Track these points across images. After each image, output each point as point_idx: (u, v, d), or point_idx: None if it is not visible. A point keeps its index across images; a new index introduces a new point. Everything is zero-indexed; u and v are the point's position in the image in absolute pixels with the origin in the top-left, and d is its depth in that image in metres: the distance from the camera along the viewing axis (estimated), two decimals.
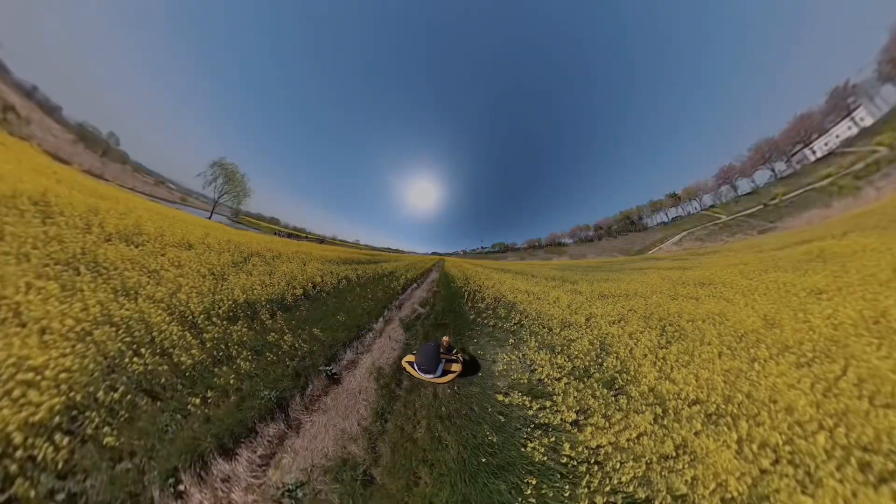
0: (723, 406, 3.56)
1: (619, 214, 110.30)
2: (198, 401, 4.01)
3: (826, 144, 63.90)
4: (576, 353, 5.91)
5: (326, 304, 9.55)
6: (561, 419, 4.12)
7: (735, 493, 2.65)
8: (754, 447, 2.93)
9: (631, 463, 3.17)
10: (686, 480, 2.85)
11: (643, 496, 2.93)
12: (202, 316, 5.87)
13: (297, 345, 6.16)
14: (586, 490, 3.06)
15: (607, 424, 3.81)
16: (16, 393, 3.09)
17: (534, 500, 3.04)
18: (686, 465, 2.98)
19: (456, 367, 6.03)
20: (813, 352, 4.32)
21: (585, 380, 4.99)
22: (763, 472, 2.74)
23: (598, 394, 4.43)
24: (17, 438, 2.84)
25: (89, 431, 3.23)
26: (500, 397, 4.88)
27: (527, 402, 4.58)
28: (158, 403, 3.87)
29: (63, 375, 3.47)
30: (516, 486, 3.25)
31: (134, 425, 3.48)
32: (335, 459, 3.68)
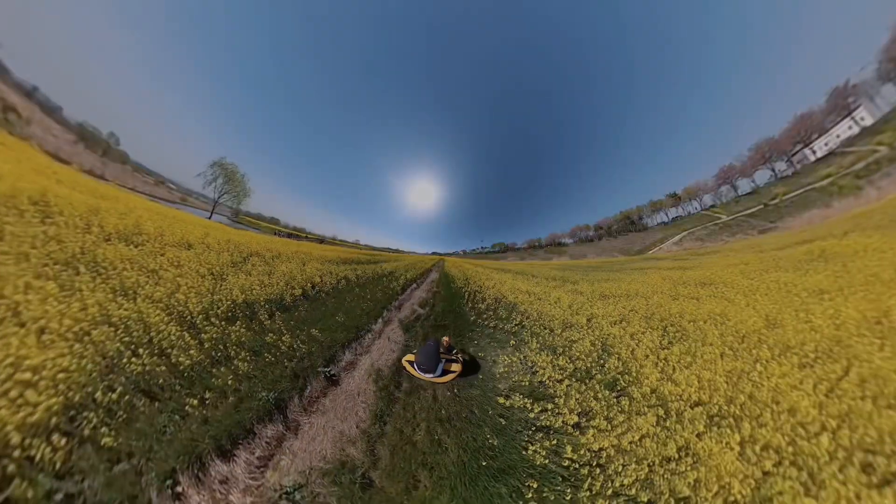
0: (725, 407, 3.53)
1: (619, 214, 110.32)
2: (196, 402, 3.99)
3: (826, 144, 63.85)
4: (577, 354, 5.87)
5: (325, 305, 9.50)
6: (563, 422, 4.08)
7: (738, 496, 2.62)
8: (757, 449, 2.91)
9: (633, 465, 3.15)
10: (689, 483, 2.82)
11: (645, 499, 2.91)
12: (200, 316, 5.85)
13: (295, 346, 6.13)
14: (588, 493, 3.04)
15: (609, 427, 3.78)
16: (13, 393, 3.07)
17: None
18: (689, 468, 2.96)
19: (456, 367, 6.02)
20: (815, 352, 4.30)
21: (587, 381, 4.95)
22: (766, 473, 2.72)
23: (600, 395, 4.40)
24: (15, 439, 2.82)
25: (87, 432, 3.21)
26: (501, 400, 4.84)
27: (528, 405, 4.55)
28: (156, 404, 3.85)
29: (61, 376, 3.46)
30: (517, 489, 3.22)
31: (132, 426, 3.47)
32: (333, 462, 3.65)
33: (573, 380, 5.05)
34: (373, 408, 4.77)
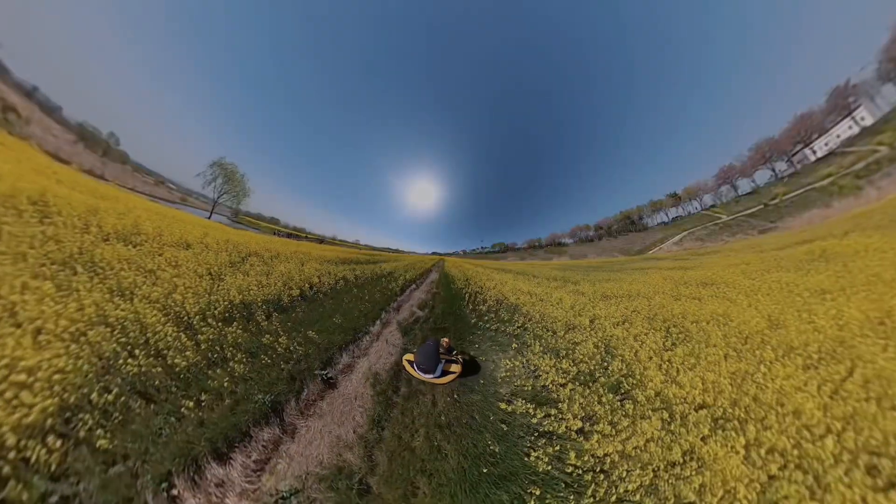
0: (730, 410, 3.49)
1: (619, 214, 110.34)
2: (192, 404, 3.96)
3: (826, 144, 63.85)
4: (581, 356, 5.80)
5: (323, 306, 9.40)
6: (566, 427, 4.01)
7: (744, 501, 2.58)
8: (762, 452, 2.87)
9: (638, 471, 3.10)
10: (694, 488, 2.78)
11: None
12: (197, 317, 5.80)
13: (292, 347, 6.07)
14: (592, 500, 2.99)
15: (614, 431, 3.72)
16: (9, 394, 3.05)
17: None
18: (694, 472, 2.92)
19: (455, 368, 5.97)
20: (818, 353, 4.26)
21: (591, 384, 4.88)
22: (771, 477, 2.68)
23: (604, 400, 4.33)
24: (11, 440, 2.81)
25: (83, 434, 3.19)
26: (503, 405, 4.74)
27: (530, 410, 4.46)
28: (152, 406, 3.82)
29: (57, 377, 3.44)
30: (519, 496, 3.16)
31: (127, 428, 3.43)
32: (330, 467, 3.60)
33: (577, 383, 4.96)
34: (370, 412, 4.69)
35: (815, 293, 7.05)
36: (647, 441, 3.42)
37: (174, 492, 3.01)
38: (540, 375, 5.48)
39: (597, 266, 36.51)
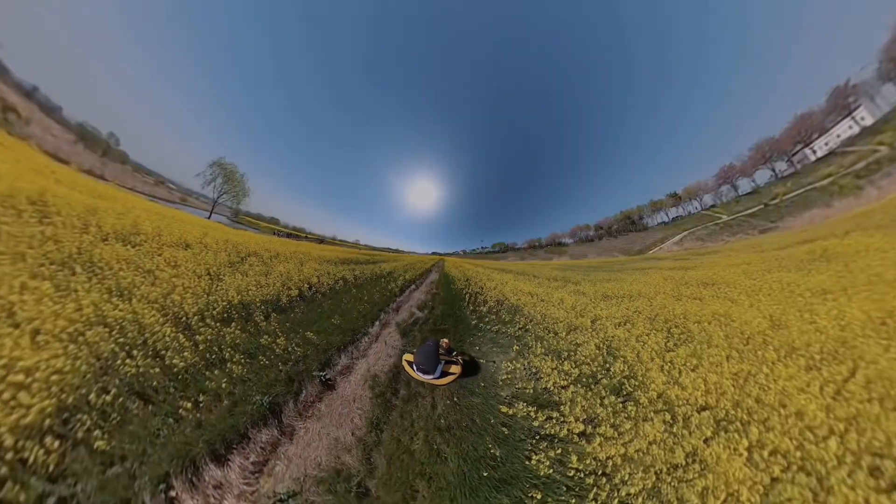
0: (732, 412, 3.47)
1: (619, 214, 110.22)
2: (189, 405, 3.95)
3: (827, 144, 63.77)
4: (582, 358, 5.75)
5: (322, 307, 9.36)
6: (568, 430, 3.97)
7: None
8: (765, 454, 2.85)
9: (640, 474, 3.07)
10: (697, 491, 2.75)
11: None
12: (196, 317, 5.78)
13: (290, 348, 6.04)
14: (594, 503, 2.96)
15: (616, 434, 3.69)
16: (6, 395, 3.04)
17: None
18: (697, 475, 2.89)
19: (455, 369, 5.94)
20: (821, 353, 4.24)
21: (593, 386, 4.84)
22: (774, 480, 2.66)
23: (606, 402, 4.29)
24: (8, 441, 2.80)
25: (80, 435, 3.18)
26: (504, 408, 4.68)
27: (532, 413, 4.41)
28: (150, 407, 3.80)
29: (55, 377, 3.43)
30: (520, 500, 3.14)
31: (125, 429, 3.42)
32: (329, 470, 3.58)
33: (579, 385, 4.92)
34: (369, 415, 4.65)
35: (816, 293, 7.03)
36: (650, 444, 3.39)
37: (172, 493, 3.00)
38: (541, 377, 5.43)
39: (597, 266, 36.46)
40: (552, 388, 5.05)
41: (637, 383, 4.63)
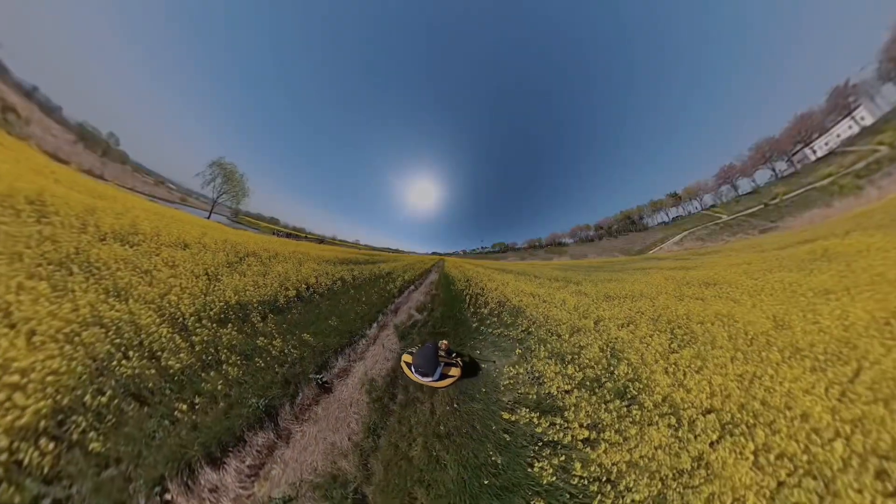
0: (738, 415, 3.42)
1: (619, 214, 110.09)
2: (185, 407, 3.91)
3: (827, 144, 63.70)
4: (586, 361, 5.65)
5: (319, 308, 9.27)
6: (572, 436, 3.88)
7: None
8: (771, 457, 2.80)
9: (645, 480, 3.01)
10: (704, 498, 2.70)
11: None
12: (192, 318, 5.74)
13: (286, 350, 5.99)
14: None
15: (621, 439, 3.62)
16: (1, 396, 3.02)
17: None
18: (703, 481, 2.83)
19: (455, 372, 5.88)
20: (825, 354, 4.20)
21: (597, 390, 4.77)
22: (781, 484, 2.62)
23: (611, 406, 4.22)
24: (3, 442, 2.78)
25: (76, 436, 3.15)
26: (506, 414, 4.59)
27: (535, 419, 4.31)
28: (146, 408, 3.76)
29: (50, 378, 3.39)
30: None
31: (120, 431, 3.39)
32: (325, 475, 3.53)
33: (582, 390, 4.84)
34: (366, 420, 4.59)
35: (818, 293, 6.98)
36: (655, 448, 3.33)
37: (167, 496, 2.96)
38: (544, 382, 5.33)
39: (598, 266, 36.40)
40: (556, 392, 4.96)
41: (641, 386, 4.56)
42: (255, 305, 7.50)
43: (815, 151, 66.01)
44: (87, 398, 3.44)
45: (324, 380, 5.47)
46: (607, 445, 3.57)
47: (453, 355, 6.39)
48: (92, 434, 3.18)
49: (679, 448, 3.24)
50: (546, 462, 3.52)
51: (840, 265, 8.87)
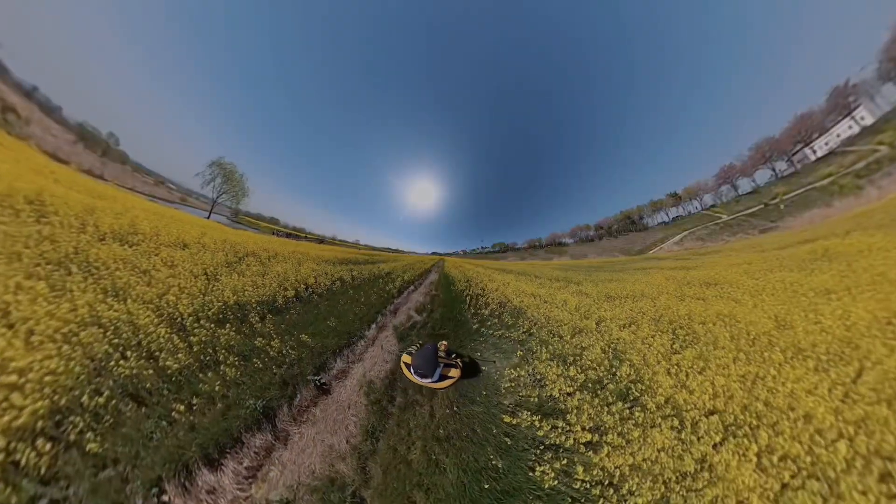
0: (741, 416, 3.38)
1: (619, 214, 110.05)
2: (183, 407, 3.89)
3: (827, 143, 63.65)
4: (588, 363, 5.61)
5: (318, 308, 9.23)
6: (574, 439, 3.83)
7: None
8: (775, 459, 2.77)
9: (648, 484, 2.97)
10: (707, 501, 2.66)
11: None
12: (191, 318, 5.71)
13: (284, 351, 5.95)
14: None
15: (624, 442, 3.57)
16: None
17: None
18: (706, 484, 2.80)
19: (454, 373, 5.83)
20: (827, 354, 4.17)
21: (599, 392, 4.72)
22: (784, 486, 2.59)
23: (613, 409, 4.18)
24: (0, 442, 2.76)
25: (73, 437, 3.14)
26: (507, 417, 4.53)
27: (536, 422, 4.26)
28: (143, 409, 3.74)
29: (48, 378, 3.37)
30: None
31: (118, 431, 3.37)
32: (322, 478, 3.50)
33: (585, 392, 4.79)
34: (364, 422, 4.54)
35: (820, 293, 6.95)
36: (658, 451, 3.29)
37: (165, 498, 2.94)
38: (546, 384, 5.27)
39: (598, 266, 36.36)
40: (558, 395, 4.90)
41: (644, 387, 4.52)
42: (254, 306, 7.47)
43: (815, 151, 65.95)
44: (85, 398, 3.42)
45: (322, 381, 5.42)
46: (610, 448, 3.52)
47: (453, 356, 6.36)
48: (89, 435, 3.16)
49: (682, 450, 3.20)
50: (548, 466, 3.48)
51: (841, 265, 8.84)
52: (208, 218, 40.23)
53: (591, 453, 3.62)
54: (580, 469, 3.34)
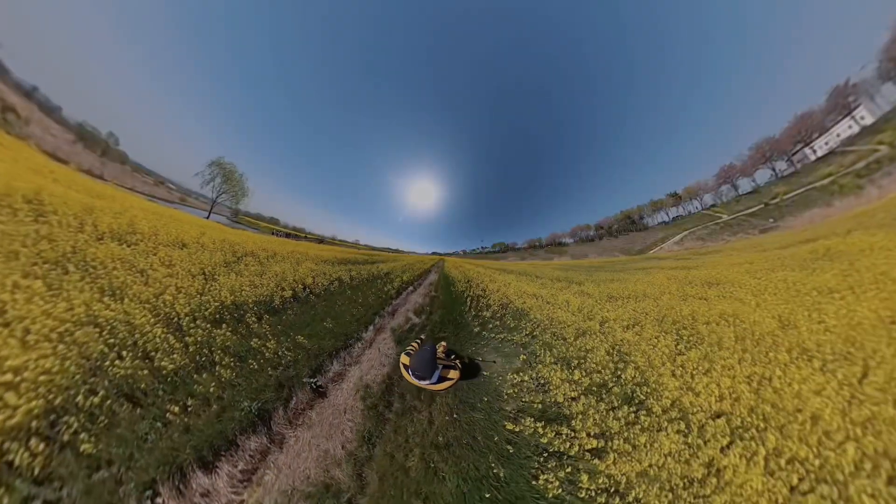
0: (748, 418, 3.32)
1: (619, 214, 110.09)
2: (177, 409, 3.85)
3: (827, 143, 63.62)
4: (593, 365, 5.50)
5: (315, 309, 9.12)
6: (579, 446, 3.72)
7: None
8: (782, 462, 2.72)
9: (655, 490, 2.88)
10: None
11: None
12: (187, 318, 5.65)
13: (280, 352, 5.88)
14: None
15: (630, 448, 3.48)
16: None
17: None
18: (715, 490, 2.72)
19: (453, 375, 5.73)
20: (832, 354, 4.12)
21: (604, 396, 4.62)
22: (793, 489, 2.53)
23: (619, 414, 4.08)
24: None
25: (67, 437, 3.10)
26: (509, 425, 4.39)
27: (540, 429, 4.13)
28: (138, 410, 3.70)
29: (43, 378, 3.34)
30: None
31: (112, 432, 3.32)
32: (317, 484, 3.43)
33: (590, 396, 4.68)
34: (360, 428, 4.43)
35: (823, 292, 6.91)
36: (665, 456, 3.20)
37: (159, 500, 2.90)
38: (550, 389, 5.14)
39: (598, 266, 36.30)
40: (562, 400, 4.78)
41: (649, 390, 4.44)
42: (251, 306, 7.41)
43: (815, 151, 65.92)
44: (80, 398, 3.38)
45: (318, 384, 5.34)
46: (616, 455, 3.43)
47: (452, 357, 6.28)
48: (84, 435, 3.13)
49: (689, 455, 3.12)
50: (551, 474, 3.38)
51: (843, 264, 8.79)
52: (208, 218, 40.20)
53: (596, 460, 3.52)
54: (585, 477, 3.24)
